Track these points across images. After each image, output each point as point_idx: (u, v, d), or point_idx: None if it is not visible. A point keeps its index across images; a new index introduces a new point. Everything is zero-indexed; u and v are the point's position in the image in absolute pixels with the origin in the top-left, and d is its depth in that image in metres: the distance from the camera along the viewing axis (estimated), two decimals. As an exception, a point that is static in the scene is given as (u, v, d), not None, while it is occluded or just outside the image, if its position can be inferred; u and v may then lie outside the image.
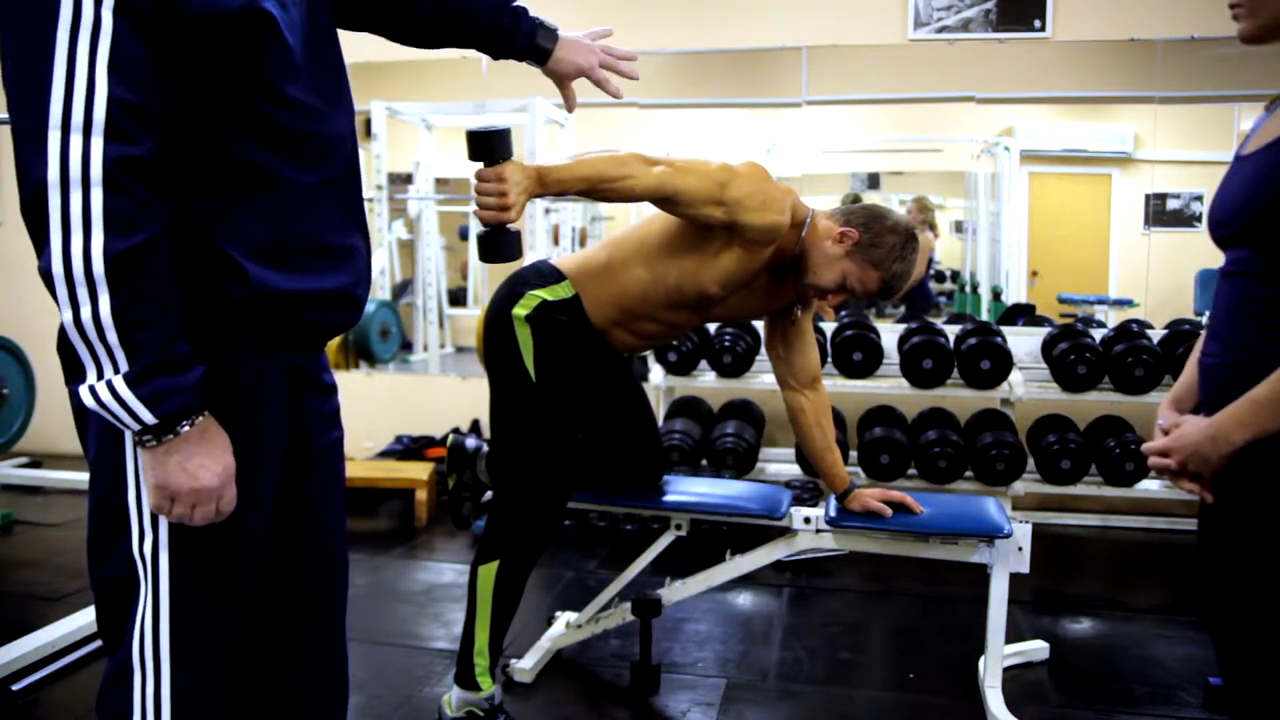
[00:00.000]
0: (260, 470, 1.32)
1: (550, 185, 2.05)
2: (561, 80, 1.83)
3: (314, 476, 1.46)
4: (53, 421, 5.38)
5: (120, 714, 1.29)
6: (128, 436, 1.22)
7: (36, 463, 5.20)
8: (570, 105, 1.87)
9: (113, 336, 1.10)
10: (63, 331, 1.12)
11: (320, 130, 1.33)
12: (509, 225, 1.95)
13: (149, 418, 1.13)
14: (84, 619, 2.99)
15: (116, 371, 1.11)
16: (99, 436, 1.26)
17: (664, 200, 2.20)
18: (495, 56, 1.76)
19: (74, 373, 1.15)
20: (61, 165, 1.06)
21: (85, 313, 1.09)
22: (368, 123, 5.26)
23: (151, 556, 1.25)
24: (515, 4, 1.72)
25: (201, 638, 1.29)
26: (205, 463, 1.19)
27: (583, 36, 1.84)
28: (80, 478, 4.86)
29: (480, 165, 1.94)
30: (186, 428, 1.17)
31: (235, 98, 1.22)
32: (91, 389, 1.11)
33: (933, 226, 5.44)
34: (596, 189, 2.12)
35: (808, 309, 2.58)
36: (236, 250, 1.23)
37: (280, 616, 1.47)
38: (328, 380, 1.50)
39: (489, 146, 1.93)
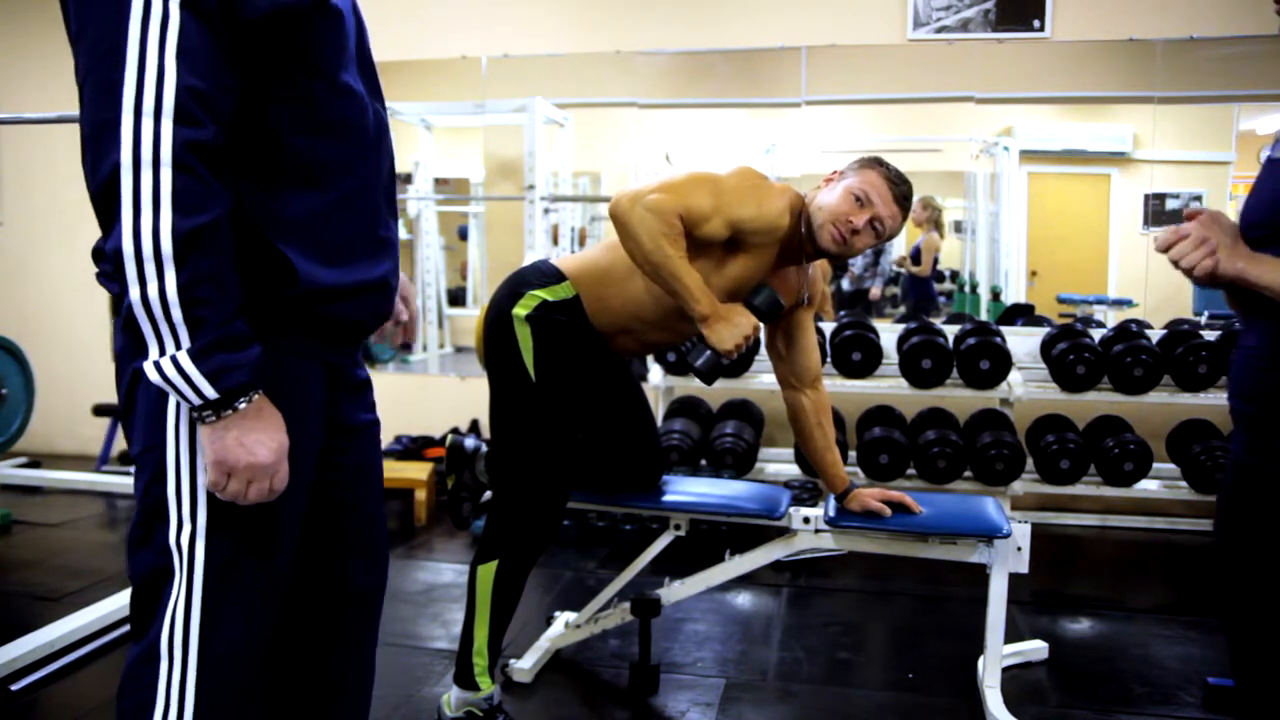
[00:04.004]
0: (295, 468, 1.34)
1: (708, 304, 2.20)
2: None
3: (347, 472, 1.50)
4: (52, 421, 5.40)
5: (143, 701, 1.30)
6: (169, 431, 1.25)
7: (35, 463, 5.21)
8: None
9: (177, 313, 1.14)
10: (127, 310, 1.17)
11: (367, 120, 1.37)
12: (756, 313, 2.28)
13: (210, 392, 1.17)
14: (83, 619, 2.99)
15: (179, 347, 1.15)
16: (145, 429, 1.28)
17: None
18: None
19: (136, 350, 1.19)
20: (134, 147, 1.11)
21: (152, 289, 1.13)
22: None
23: (188, 546, 1.27)
24: None
25: (231, 629, 1.31)
26: (261, 439, 1.22)
27: None
28: (79, 477, 4.87)
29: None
30: (244, 404, 1.20)
31: (291, 85, 1.26)
32: (156, 364, 1.16)
33: (939, 226, 5.43)
34: (687, 261, 2.20)
35: (814, 303, 2.58)
36: (287, 245, 1.27)
37: (315, 616, 1.49)
38: (362, 375, 1.53)
39: (719, 370, 2.29)
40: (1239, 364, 1.53)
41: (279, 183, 1.27)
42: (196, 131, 1.13)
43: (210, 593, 1.28)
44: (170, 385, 1.16)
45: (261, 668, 1.37)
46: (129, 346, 1.27)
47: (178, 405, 1.25)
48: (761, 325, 2.25)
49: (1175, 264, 1.45)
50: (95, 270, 1.27)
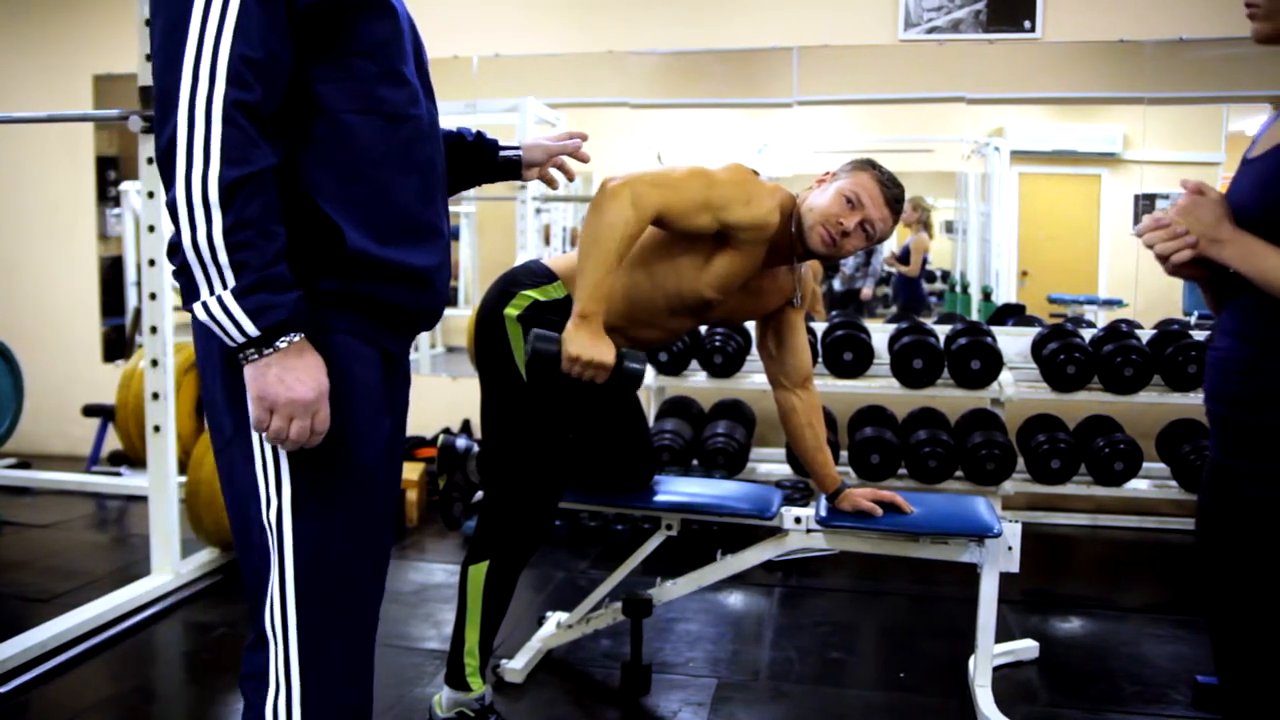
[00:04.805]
0: (371, 442, 1.41)
1: (595, 309, 2.09)
2: (533, 166, 2.01)
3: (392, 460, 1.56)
4: (41, 422, 5.38)
5: (258, 686, 1.36)
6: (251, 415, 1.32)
7: (25, 463, 5.18)
8: (568, 175, 2.07)
9: (223, 256, 1.23)
10: (180, 258, 1.25)
11: (420, 111, 1.45)
12: (618, 362, 2.10)
13: (252, 329, 1.25)
14: (73, 620, 2.99)
15: (225, 287, 1.24)
16: (230, 420, 1.36)
17: (656, 222, 2.21)
18: (484, 180, 1.96)
19: (190, 294, 1.27)
20: (190, 107, 1.22)
21: (201, 233, 1.22)
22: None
23: (276, 522, 1.35)
24: (463, 130, 1.90)
25: (326, 607, 1.37)
26: (301, 377, 1.28)
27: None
28: (69, 478, 4.86)
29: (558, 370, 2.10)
30: (284, 343, 1.27)
31: (345, 67, 1.35)
32: (204, 304, 1.25)
33: (928, 227, 5.45)
34: (617, 265, 2.13)
35: (804, 303, 2.58)
36: (337, 214, 1.35)
37: None
38: (407, 369, 1.61)
39: (544, 362, 2.08)
40: (1212, 366, 1.54)
41: (333, 158, 1.35)
42: (245, 93, 1.23)
43: (303, 564, 1.35)
44: (215, 323, 1.25)
45: (363, 644, 1.43)
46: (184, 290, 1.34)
47: None
48: (608, 371, 2.09)
49: (1150, 247, 1.47)
50: (173, 271, 1.34)
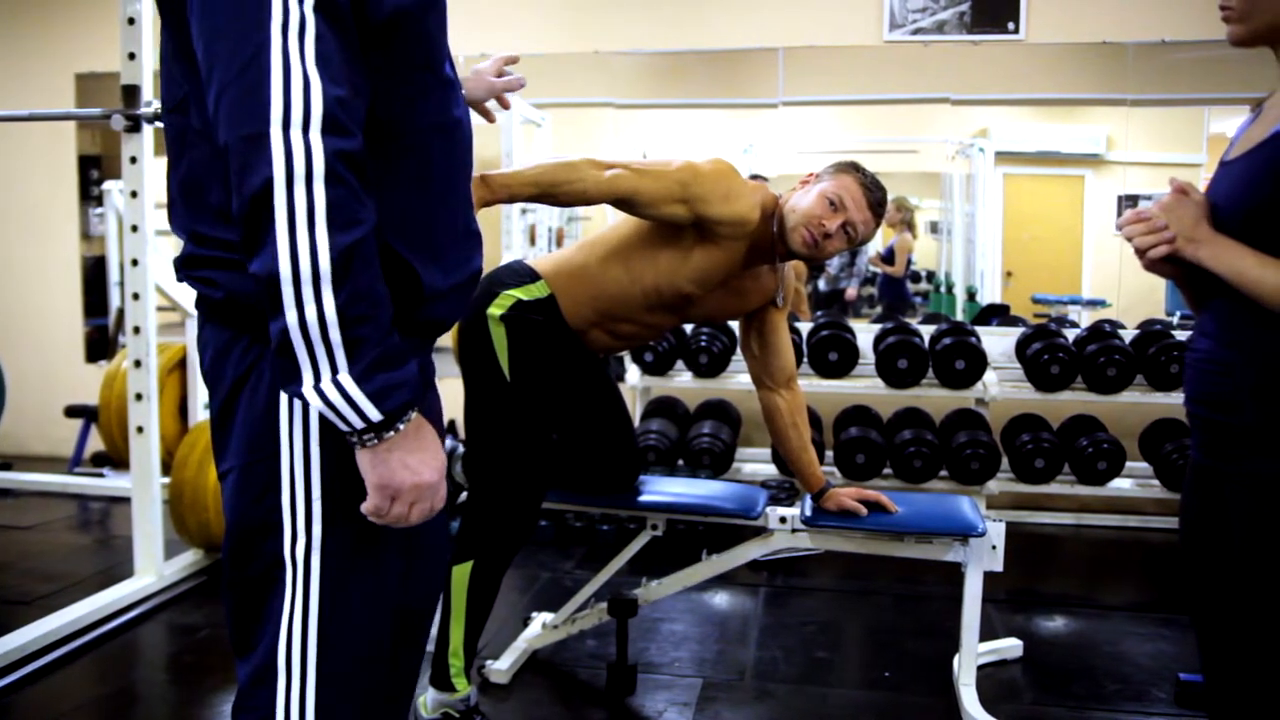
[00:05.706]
0: None
1: (496, 190, 2.14)
2: (474, 103, 1.98)
3: None
4: (24, 423, 5.35)
5: (264, 717, 1.25)
6: (284, 442, 1.21)
7: (7, 464, 5.14)
8: (489, 118, 2.05)
9: (336, 335, 1.07)
10: (280, 336, 1.09)
11: (462, 116, 1.33)
12: None
13: (375, 415, 1.11)
14: (56, 622, 2.97)
15: (336, 371, 1.09)
16: (250, 442, 1.23)
17: (621, 202, 2.26)
18: None
19: (290, 376, 1.11)
20: (286, 162, 1.04)
21: (310, 313, 1.06)
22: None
23: (304, 559, 1.22)
24: None
25: (348, 642, 1.27)
26: (424, 458, 1.17)
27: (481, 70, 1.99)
28: (51, 480, 4.82)
29: None
30: (403, 424, 1.14)
31: (409, 83, 1.22)
32: (318, 390, 1.09)
33: (911, 227, 5.46)
34: (546, 193, 2.22)
35: (787, 303, 2.59)
36: (405, 249, 1.22)
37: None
38: (433, 375, 1.48)
39: None
40: (1191, 368, 1.55)
41: (399, 183, 1.23)
42: (346, 141, 1.08)
43: (327, 606, 1.24)
44: (333, 410, 1.10)
45: (380, 678, 1.34)
46: (267, 371, 1.22)
47: (290, 416, 1.20)
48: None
49: (1129, 240, 1.48)
50: (181, 274, 1.26)
